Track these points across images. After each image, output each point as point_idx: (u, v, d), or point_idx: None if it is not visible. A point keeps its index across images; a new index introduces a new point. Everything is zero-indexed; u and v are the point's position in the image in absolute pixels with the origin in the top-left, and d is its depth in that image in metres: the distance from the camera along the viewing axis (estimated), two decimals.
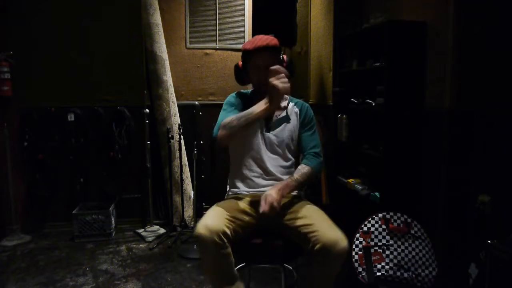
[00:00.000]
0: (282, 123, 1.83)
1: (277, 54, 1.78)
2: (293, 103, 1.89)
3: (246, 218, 1.67)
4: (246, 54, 1.78)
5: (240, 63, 1.85)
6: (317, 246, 1.48)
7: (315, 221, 1.57)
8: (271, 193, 1.58)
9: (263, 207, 1.54)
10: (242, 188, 1.84)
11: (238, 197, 1.80)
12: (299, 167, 1.78)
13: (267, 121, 1.82)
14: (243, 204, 1.72)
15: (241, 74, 1.87)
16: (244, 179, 1.83)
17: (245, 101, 1.84)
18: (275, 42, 1.76)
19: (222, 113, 1.80)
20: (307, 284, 1.63)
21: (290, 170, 1.84)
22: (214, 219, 1.53)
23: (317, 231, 1.51)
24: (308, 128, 1.86)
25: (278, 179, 1.78)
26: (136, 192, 3.58)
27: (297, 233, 1.60)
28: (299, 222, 1.61)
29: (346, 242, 1.49)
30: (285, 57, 1.84)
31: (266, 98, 1.62)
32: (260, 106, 1.62)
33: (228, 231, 1.51)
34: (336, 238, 1.48)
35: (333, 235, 1.49)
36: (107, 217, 3.25)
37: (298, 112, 1.87)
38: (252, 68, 1.78)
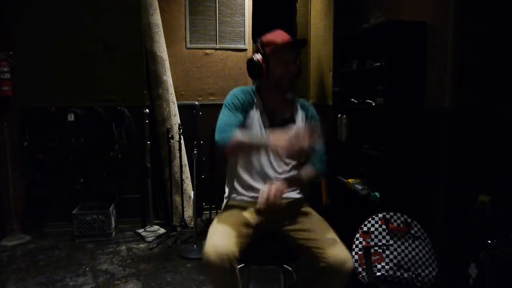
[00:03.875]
0: (287, 124, 1.77)
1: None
2: (298, 104, 1.85)
3: (250, 230, 1.62)
4: (275, 47, 1.70)
5: (259, 56, 1.72)
6: (322, 264, 1.47)
7: (321, 236, 1.56)
8: (271, 187, 1.54)
9: (261, 203, 1.50)
10: (244, 192, 1.79)
11: (240, 204, 1.76)
12: (305, 166, 1.77)
13: (271, 122, 1.77)
14: (246, 214, 1.68)
15: (259, 68, 1.72)
16: (245, 182, 1.79)
17: (249, 99, 1.78)
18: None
19: (224, 113, 1.70)
20: None
21: (293, 172, 1.81)
22: (223, 239, 1.46)
23: (323, 248, 1.49)
24: None
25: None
26: (136, 192, 3.58)
27: (302, 247, 1.59)
28: (304, 235, 1.59)
29: (352, 263, 1.48)
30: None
31: (286, 138, 1.43)
32: (278, 141, 1.44)
33: (237, 252, 1.45)
34: (343, 259, 1.46)
35: (339, 255, 1.47)
36: (107, 217, 3.25)
37: (304, 114, 1.84)
38: (279, 62, 1.70)
